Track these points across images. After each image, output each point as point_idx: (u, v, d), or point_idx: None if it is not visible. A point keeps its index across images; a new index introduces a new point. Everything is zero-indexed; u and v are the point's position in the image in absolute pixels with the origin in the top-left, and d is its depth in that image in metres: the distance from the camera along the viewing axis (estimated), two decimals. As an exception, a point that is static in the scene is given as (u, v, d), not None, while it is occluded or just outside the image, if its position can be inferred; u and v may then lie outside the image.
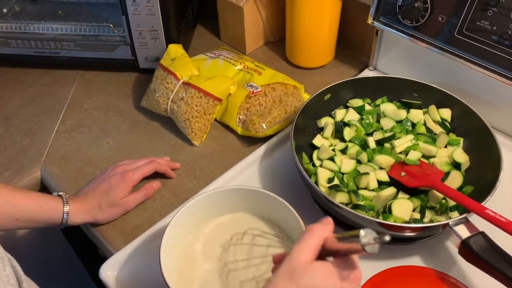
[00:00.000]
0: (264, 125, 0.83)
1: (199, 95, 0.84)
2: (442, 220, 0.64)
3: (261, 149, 0.84)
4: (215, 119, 0.90)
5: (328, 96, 0.82)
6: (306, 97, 0.89)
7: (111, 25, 0.98)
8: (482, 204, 0.62)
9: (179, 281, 0.60)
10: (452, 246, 0.66)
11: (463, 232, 0.61)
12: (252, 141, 0.87)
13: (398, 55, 0.92)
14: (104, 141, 0.89)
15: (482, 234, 0.60)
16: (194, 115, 0.84)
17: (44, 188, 0.86)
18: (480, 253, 0.58)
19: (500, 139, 0.73)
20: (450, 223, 0.61)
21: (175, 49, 0.91)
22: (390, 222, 0.64)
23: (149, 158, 0.80)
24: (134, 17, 0.91)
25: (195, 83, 0.84)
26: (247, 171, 0.81)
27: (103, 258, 0.71)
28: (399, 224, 0.64)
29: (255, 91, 0.86)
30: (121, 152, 0.86)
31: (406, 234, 0.65)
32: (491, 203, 0.64)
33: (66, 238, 1.00)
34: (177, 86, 0.85)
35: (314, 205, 0.75)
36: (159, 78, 0.88)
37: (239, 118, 0.86)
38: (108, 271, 0.68)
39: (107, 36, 0.99)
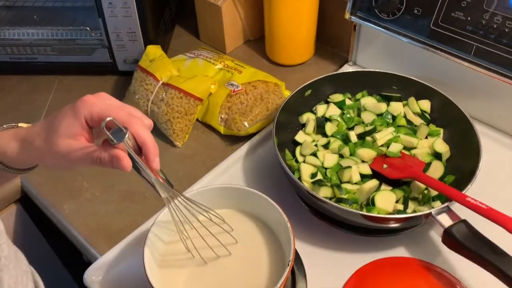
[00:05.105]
0: (246, 124, 0.83)
1: (179, 96, 0.83)
2: (424, 210, 0.64)
3: (244, 148, 0.84)
4: (197, 120, 0.89)
5: (309, 92, 0.83)
6: (287, 94, 0.89)
7: (87, 28, 0.97)
8: (462, 192, 0.63)
9: (164, 282, 0.59)
10: (436, 236, 0.67)
11: (446, 220, 0.61)
12: (235, 140, 0.86)
13: (377, 49, 0.93)
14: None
15: (464, 222, 0.61)
16: (175, 116, 0.83)
17: (25, 195, 0.85)
18: (463, 240, 0.59)
19: (479, 128, 0.73)
20: (432, 212, 0.62)
21: (153, 50, 0.90)
22: (374, 214, 0.65)
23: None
24: (110, 20, 0.90)
25: (175, 83, 0.84)
26: (231, 170, 0.81)
27: (88, 264, 0.70)
28: (383, 216, 0.64)
29: (236, 89, 0.86)
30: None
31: (390, 225, 0.66)
32: (472, 191, 0.64)
33: (50, 246, 0.99)
34: (157, 87, 0.85)
35: (298, 200, 0.75)
36: (138, 80, 0.87)
37: (221, 118, 0.86)
38: (93, 276, 0.67)
39: (84, 39, 0.98)
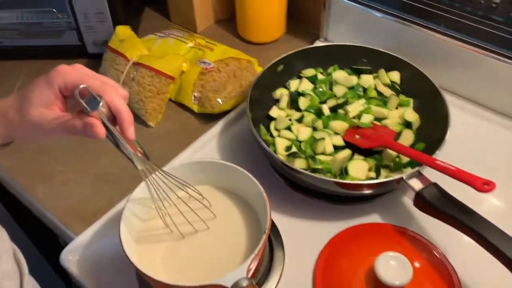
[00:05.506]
0: (220, 100, 0.83)
1: (150, 75, 0.82)
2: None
3: (219, 125, 0.84)
4: (170, 99, 0.89)
5: (281, 67, 0.83)
6: (260, 71, 0.89)
7: (54, 10, 0.95)
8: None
9: (142, 257, 0.59)
10: (408, 202, 0.69)
11: (417, 184, 0.63)
12: (210, 118, 0.86)
13: (347, 24, 0.94)
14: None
15: (435, 185, 0.63)
16: (147, 95, 0.82)
17: (-3, 183, 0.83)
18: (434, 202, 0.60)
19: (447, 97, 0.75)
20: (404, 177, 0.63)
21: (123, 31, 0.89)
22: (347, 181, 0.66)
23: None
24: (78, 0, 0.88)
25: (146, 62, 0.83)
26: (206, 148, 0.81)
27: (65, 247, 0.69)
28: (356, 182, 0.65)
29: (208, 67, 0.86)
30: (75, 139, 0.83)
31: (363, 192, 0.67)
32: (442, 157, 0.66)
33: (25, 233, 0.97)
34: (127, 67, 0.84)
35: (274, 174, 0.76)
36: (108, 60, 0.86)
37: (194, 96, 0.86)
38: (70, 256, 0.66)
39: (51, 22, 0.96)
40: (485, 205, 0.70)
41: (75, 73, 0.50)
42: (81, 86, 0.48)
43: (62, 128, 0.49)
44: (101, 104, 0.48)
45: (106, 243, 0.68)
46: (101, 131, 0.48)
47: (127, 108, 0.51)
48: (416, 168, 0.64)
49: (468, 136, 0.79)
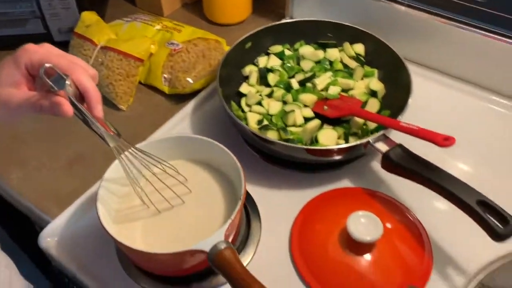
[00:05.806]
0: (190, 80, 0.84)
1: (119, 58, 0.83)
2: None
3: (191, 104, 0.85)
4: (140, 82, 0.89)
5: (249, 44, 0.84)
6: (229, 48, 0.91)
7: (16, -2, 0.94)
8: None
9: (121, 233, 0.60)
10: (377, 166, 0.71)
11: (383, 147, 0.66)
12: (181, 99, 0.87)
13: (312, 1, 0.95)
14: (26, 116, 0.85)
15: (400, 146, 0.65)
16: (116, 78, 0.83)
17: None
18: (400, 162, 0.63)
19: (410, 67, 0.78)
20: (370, 140, 0.66)
21: (89, 16, 0.89)
22: (317, 147, 0.68)
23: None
24: (41, -13, 0.88)
25: (114, 46, 0.83)
26: (179, 127, 0.82)
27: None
28: (325, 148, 0.68)
29: (176, 48, 0.86)
30: (48, 124, 0.83)
31: (333, 157, 0.69)
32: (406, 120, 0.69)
33: (3, 229, 0.96)
34: (95, 51, 0.84)
35: (248, 148, 0.77)
36: (76, 46, 0.86)
37: (164, 77, 0.86)
38: (48, 238, 0.66)
39: (15, 11, 0.94)
40: (447, 165, 0.73)
41: (42, 52, 0.51)
42: (46, 65, 0.48)
43: (30, 107, 0.50)
44: (67, 83, 0.48)
45: (84, 224, 0.68)
46: (68, 109, 0.49)
47: (94, 87, 0.51)
48: (382, 132, 0.67)
49: (429, 102, 0.82)
